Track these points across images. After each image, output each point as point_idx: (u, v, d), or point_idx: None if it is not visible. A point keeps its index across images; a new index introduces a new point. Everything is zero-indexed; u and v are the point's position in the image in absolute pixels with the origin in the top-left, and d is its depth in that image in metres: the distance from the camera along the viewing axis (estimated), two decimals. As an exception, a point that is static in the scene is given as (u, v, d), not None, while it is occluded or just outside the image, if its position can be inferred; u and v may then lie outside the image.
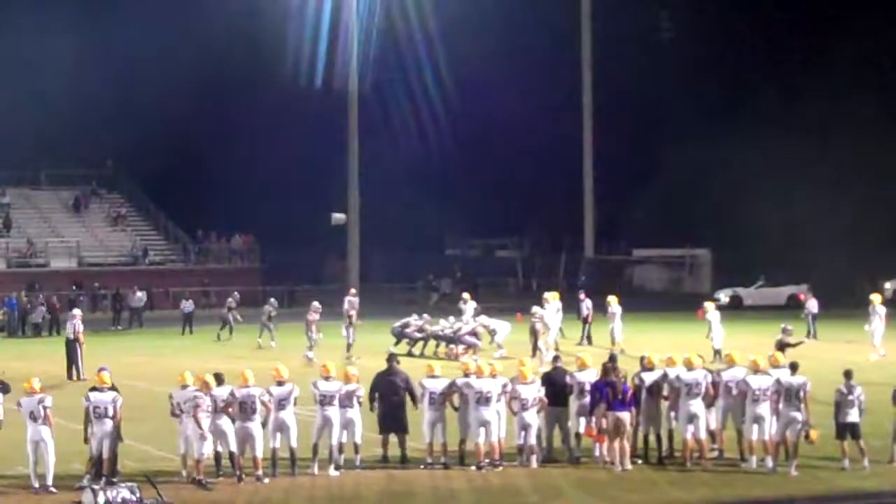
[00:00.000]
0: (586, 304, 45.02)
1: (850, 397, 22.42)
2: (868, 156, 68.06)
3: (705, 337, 39.07)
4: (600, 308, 44.61)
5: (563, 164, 77.30)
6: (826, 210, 66.21)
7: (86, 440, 21.75)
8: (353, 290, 49.67)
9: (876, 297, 40.80)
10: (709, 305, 40.78)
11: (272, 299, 49.29)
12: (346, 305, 44.99)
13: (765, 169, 69.64)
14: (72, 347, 37.47)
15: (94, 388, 22.06)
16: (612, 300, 43.11)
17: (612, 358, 23.48)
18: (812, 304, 47.07)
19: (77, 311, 39.93)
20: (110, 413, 21.60)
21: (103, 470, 21.38)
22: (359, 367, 25.31)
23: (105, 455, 21.54)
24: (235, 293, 52.39)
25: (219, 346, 46.84)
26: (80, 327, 38.13)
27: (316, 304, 42.77)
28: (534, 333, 39.70)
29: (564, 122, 77.09)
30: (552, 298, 42.12)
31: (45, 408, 21.42)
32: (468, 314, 43.31)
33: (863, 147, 68.47)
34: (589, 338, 44.33)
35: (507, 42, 75.09)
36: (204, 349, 45.39)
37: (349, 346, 40.90)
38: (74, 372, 36.93)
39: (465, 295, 46.56)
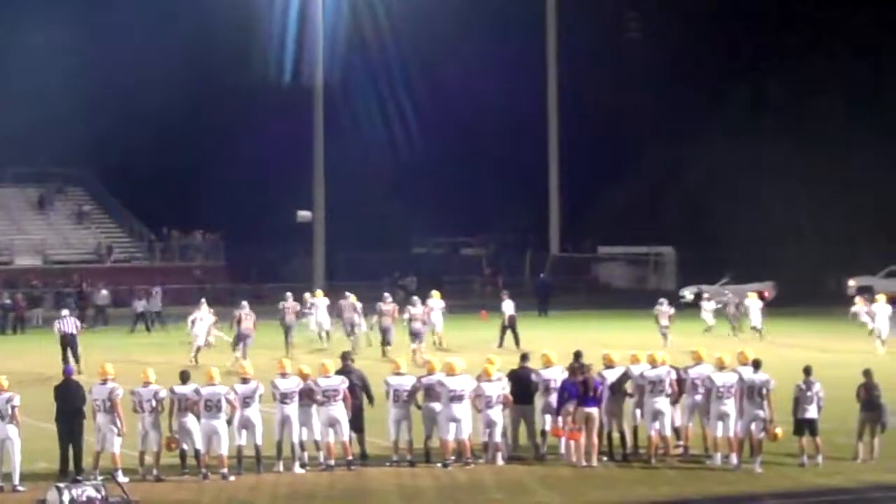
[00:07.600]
0: (508, 305, 43.35)
1: (809, 393, 22.52)
2: (834, 154, 68.37)
3: (868, 333, 39.74)
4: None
5: (528, 163, 77.45)
6: (791, 207, 66.50)
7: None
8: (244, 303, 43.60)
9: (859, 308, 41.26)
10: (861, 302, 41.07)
11: (244, 302, 46.43)
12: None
13: (730, 167, 69.89)
14: (72, 342, 38.01)
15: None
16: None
17: (578, 356, 23.49)
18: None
19: (66, 312, 40.52)
20: (149, 408, 22.06)
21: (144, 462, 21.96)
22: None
23: (154, 448, 21.97)
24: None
25: (187, 344, 46.20)
26: (78, 324, 39.60)
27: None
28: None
29: (530, 120, 77.28)
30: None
31: (13, 406, 21.39)
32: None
33: (829, 146, 68.79)
34: (502, 340, 42.64)
35: (473, 40, 75.11)
36: (170, 347, 44.95)
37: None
38: (73, 363, 36.66)
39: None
